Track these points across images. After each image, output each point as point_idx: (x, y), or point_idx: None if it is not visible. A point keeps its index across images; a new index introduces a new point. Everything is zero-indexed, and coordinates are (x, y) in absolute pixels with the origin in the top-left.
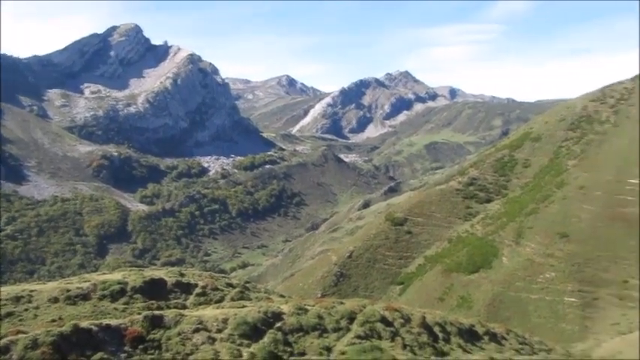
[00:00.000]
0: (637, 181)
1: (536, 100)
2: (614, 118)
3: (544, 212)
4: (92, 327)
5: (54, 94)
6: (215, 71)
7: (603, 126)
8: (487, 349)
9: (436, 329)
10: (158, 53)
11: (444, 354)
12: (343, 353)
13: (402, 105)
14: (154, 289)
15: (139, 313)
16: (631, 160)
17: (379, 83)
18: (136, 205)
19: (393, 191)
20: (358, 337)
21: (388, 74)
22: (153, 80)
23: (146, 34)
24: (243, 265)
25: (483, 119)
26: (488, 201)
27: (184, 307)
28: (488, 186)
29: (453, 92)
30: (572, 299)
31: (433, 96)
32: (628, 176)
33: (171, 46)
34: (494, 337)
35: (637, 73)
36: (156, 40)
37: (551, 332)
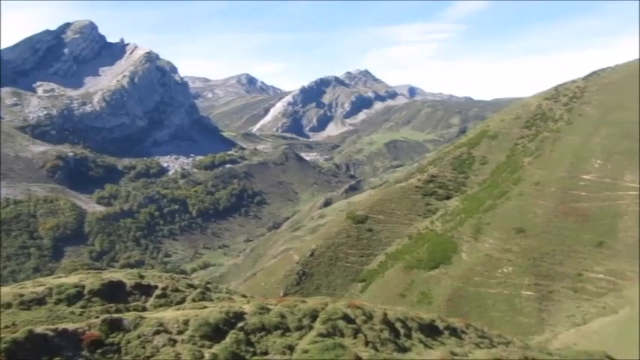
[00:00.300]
0: (590, 177)
1: (493, 99)
2: (568, 116)
3: (501, 208)
4: (48, 332)
5: (5, 93)
6: (173, 70)
7: (557, 124)
8: (448, 343)
9: (398, 325)
10: (114, 51)
11: (405, 349)
12: (306, 352)
13: (362, 103)
14: (113, 292)
15: (97, 317)
16: (583, 157)
17: (339, 82)
18: (92, 207)
19: (353, 189)
20: (321, 335)
21: (348, 73)
22: (109, 78)
23: (101, 31)
24: (205, 266)
25: (442, 117)
26: (448, 198)
27: (144, 309)
28: (448, 183)
29: (412, 91)
30: (529, 293)
31: (393, 94)
32: (581, 172)
33: (127, 44)
34: (454, 332)
35: (593, 70)
36: (112, 38)
37: (510, 325)
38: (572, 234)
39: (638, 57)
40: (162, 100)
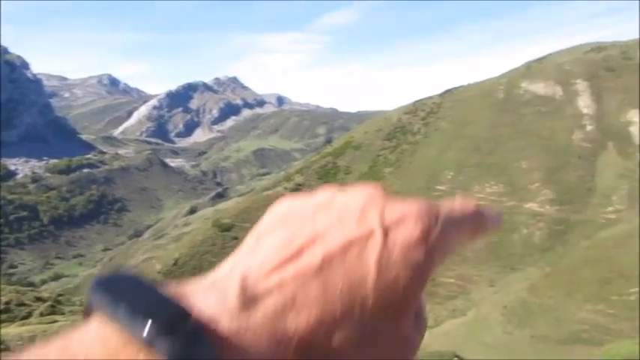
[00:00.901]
0: (444, 188)
1: (358, 111)
2: (425, 130)
3: None
4: None
5: None
6: (25, 65)
7: (415, 137)
8: None
9: None
10: None
11: None
12: None
13: (230, 110)
14: None
15: None
16: (438, 169)
17: (207, 87)
18: None
19: (220, 197)
20: None
21: (217, 79)
22: None
23: None
24: (56, 277)
25: (309, 127)
26: None
27: None
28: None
29: (281, 100)
30: None
31: (261, 102)
32: (436, 183)
33: None
34: None
35: (446, 88)
36: None
37: None
38: None
39: (488, 77)
40: (11, 98)
